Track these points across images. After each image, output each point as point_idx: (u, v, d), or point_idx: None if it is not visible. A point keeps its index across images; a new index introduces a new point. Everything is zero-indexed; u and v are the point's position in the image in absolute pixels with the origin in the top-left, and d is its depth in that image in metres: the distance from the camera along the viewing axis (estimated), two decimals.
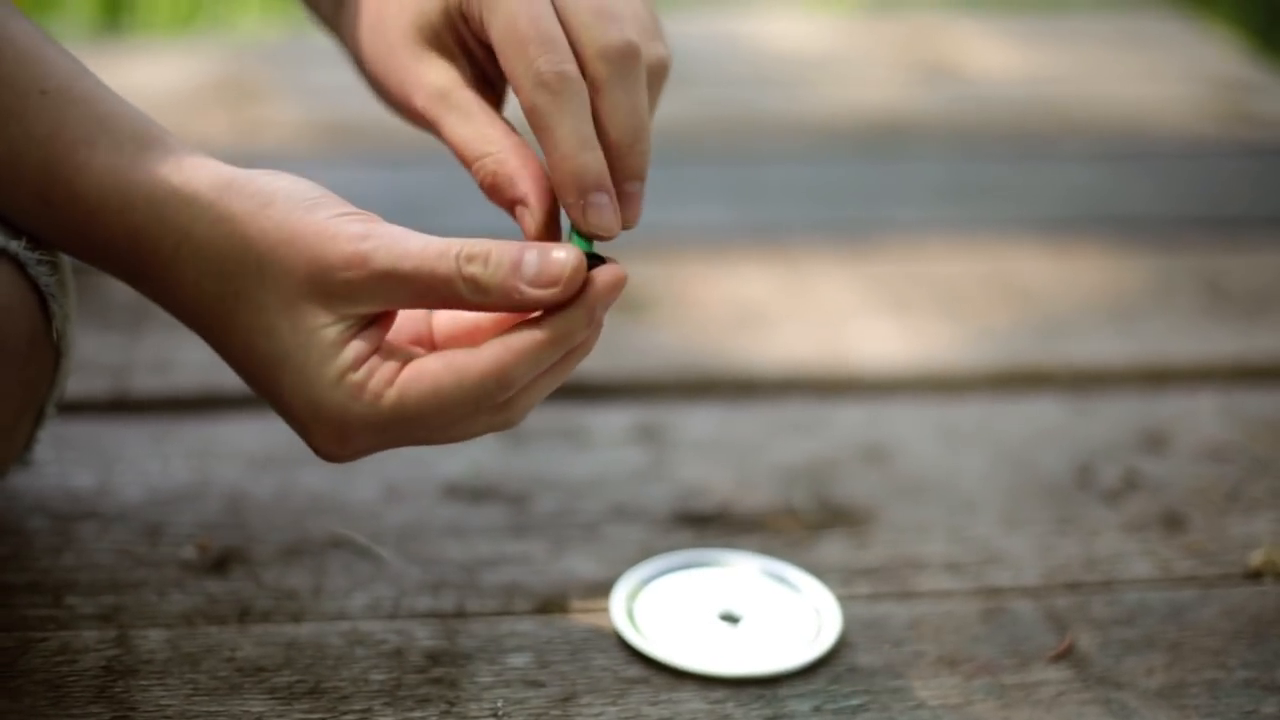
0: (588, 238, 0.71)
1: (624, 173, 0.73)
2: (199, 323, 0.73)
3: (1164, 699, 0.80)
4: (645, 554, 0.90)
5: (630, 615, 0.84)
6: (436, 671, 0.80)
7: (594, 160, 0.71)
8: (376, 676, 0.80)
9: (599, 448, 1.01)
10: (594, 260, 0.70)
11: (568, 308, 0.69)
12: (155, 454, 0.98)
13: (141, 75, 1.61)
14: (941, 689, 0.81)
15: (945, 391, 1.10)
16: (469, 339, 0.76)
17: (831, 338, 1.17)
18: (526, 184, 0.72)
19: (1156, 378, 1.13)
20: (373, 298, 0.69)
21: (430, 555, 0.89)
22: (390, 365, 0.70)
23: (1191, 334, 1.19)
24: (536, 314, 0.70)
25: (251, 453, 0.98)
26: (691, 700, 0.79)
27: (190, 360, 1.07)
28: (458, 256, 0.68)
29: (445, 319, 0.75)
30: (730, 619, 0.85)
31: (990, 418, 1.07)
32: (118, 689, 0.78)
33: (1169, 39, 1.88)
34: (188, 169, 0.71)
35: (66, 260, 0.78)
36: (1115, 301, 1.24)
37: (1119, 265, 1.31)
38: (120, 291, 0.74)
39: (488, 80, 0.78)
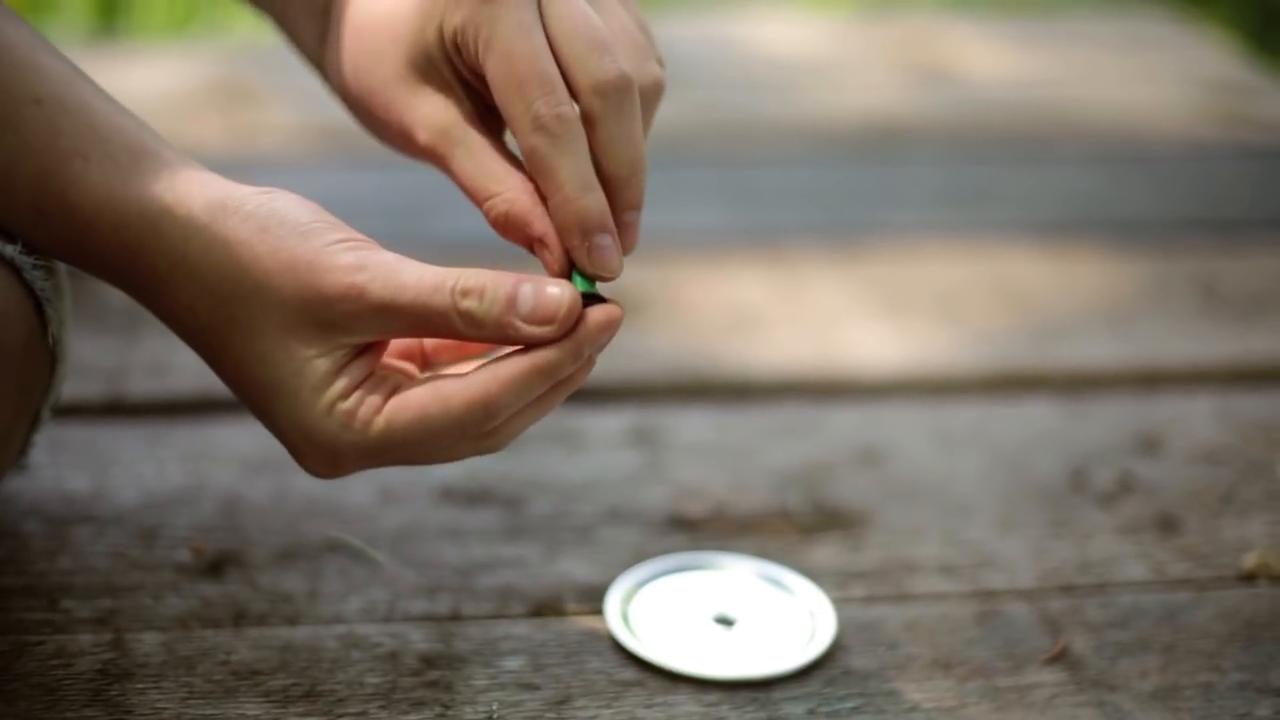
0: (590, 278, 0.71)
1: (622, 204, 0.73)
2: (193, 340, 0.73)
3: (1158, 701, 0.81)
4: (640, 557, 0.90)
5: (625, 618, 0.84)
6: (431, 675, 0.80)
7: (595, 202, 0.71)
8: (372, 680, 0.80)
9: (593, 450, 1.01)
10: (593, 299, 0.70)
11: (560, 342, 0.69)
12: (150, 457, 0.98)
13: (136, 79, 1.61)
14: (936, 692, 0.81)
15: (940, 394, 1.10)
16: (459, 352, 0.77)
17: (826, 341, 1.17)
18: (542, 222, 0.72)
19: (1151, 380, 1.13)
20: (368, 329, 0.69)
21: (425, 558, 0.89)
22: (378, 395, 0.70)
23: (1187, 337, 1.20)
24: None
25: (246, 456, 0.98)
26: (686, 703, 0.79)
27: (185, 364, 1.07)
28: (453, 290, 0.68)
29: None
30: (725, 622, 0.85)
31: (985, 421, 1.07)
32: (113, 692, 0.78)
33: (1165, 42, 1.88)
34: (182, 185, 0.70)
35: (62, 265, 0.78)
36: (1111, 304, 1.24)
37: (1114, 268, 1.31)
38: (116, 296, 0.74)
39: (487, 109, 0.76)
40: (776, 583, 0.88)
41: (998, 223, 1.39)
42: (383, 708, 0.78)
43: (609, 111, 0.71)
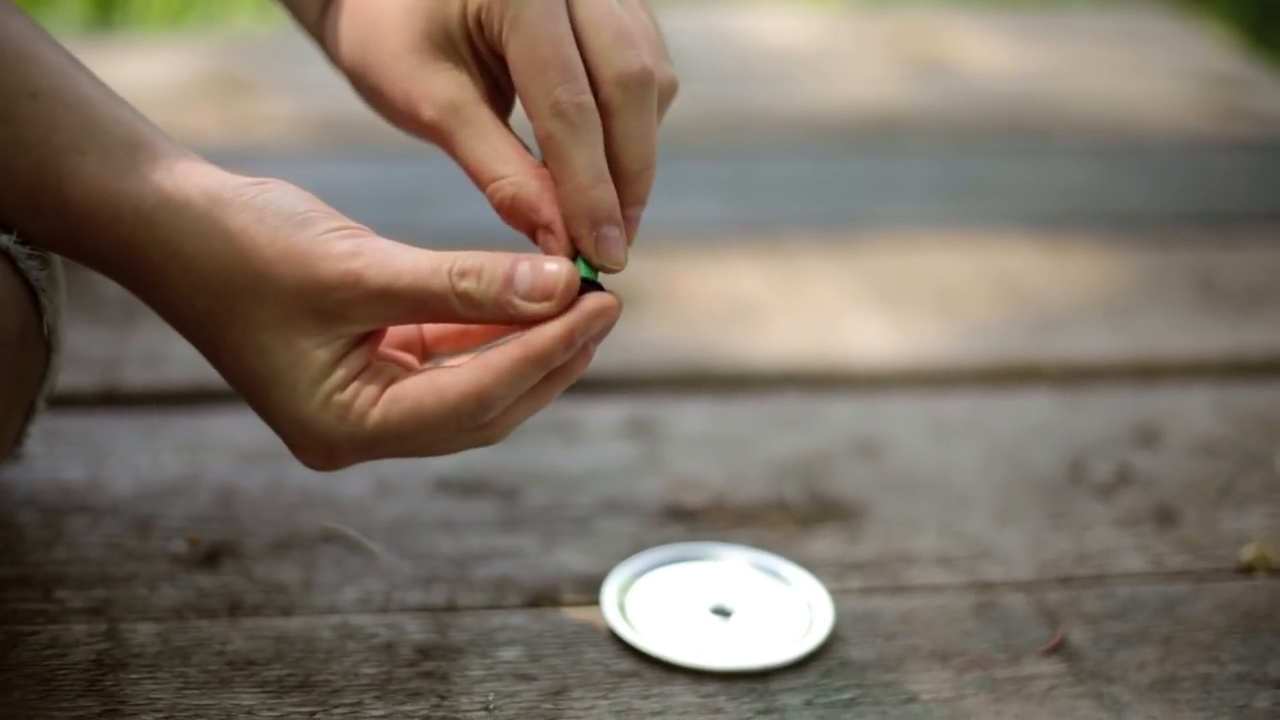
0: (595, 269, 0.71)
1: (628, 199, 0.73)
2: (190, 333, 0.73)
3: (1156, 693, 0.80)
4: (637, 548, 0.90)
5: (622, 609, 0.84)
6: (427, 665, 0.80)
7: (607, 194, 0.71)
8: (367, 670, 0.79)
9: (590, 442, 1.01)
10: (592, 287, 0.70)
11: (550, 327, 0.69)
12: (146, 448, 0.98)
13: (133, 71, 1.61)
14: (933, 683, 0.81)
15: (937, 386, 1.10)
16: (460, 341, 0.76)
17: (823, 332, 1.17)
18: (550, 209, 0.71)
19: (1149, 373, 1.13)
20: (366, 316, 0.69)
21: (421, 549, 0.89)
22: (374, 386, 0.70)
23: (1184, 329, 1.19)
24: (518, 333, 0.70)
25: (242, 447, 0.98)
26: (683, 694, 0.79)
27: (181, 354, 1.06)
28: (450, 272, 0.68)
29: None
30: (722, 613, 0.85)
31: (982, 412, 1.07)
32: (108, 682, 0.78)
33: (1162, 35, 1.88)
34: (177, 178, 0.70)
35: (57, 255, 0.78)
36: (1108, 297, 1.24)
37: (1112, 260, 1.31)
38: (111, 286, 0.74)
39: (498, 89, 0.76)
40: (774, 574, 0.88)
41: (994, 215, 1.39)
42: (378, 698, 0.78)
43: (629, 104, 0.71)
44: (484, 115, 0.74)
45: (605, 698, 0.79)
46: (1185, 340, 1.18)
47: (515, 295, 0.68)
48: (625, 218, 0.72)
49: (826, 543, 0.92)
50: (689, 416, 1.05)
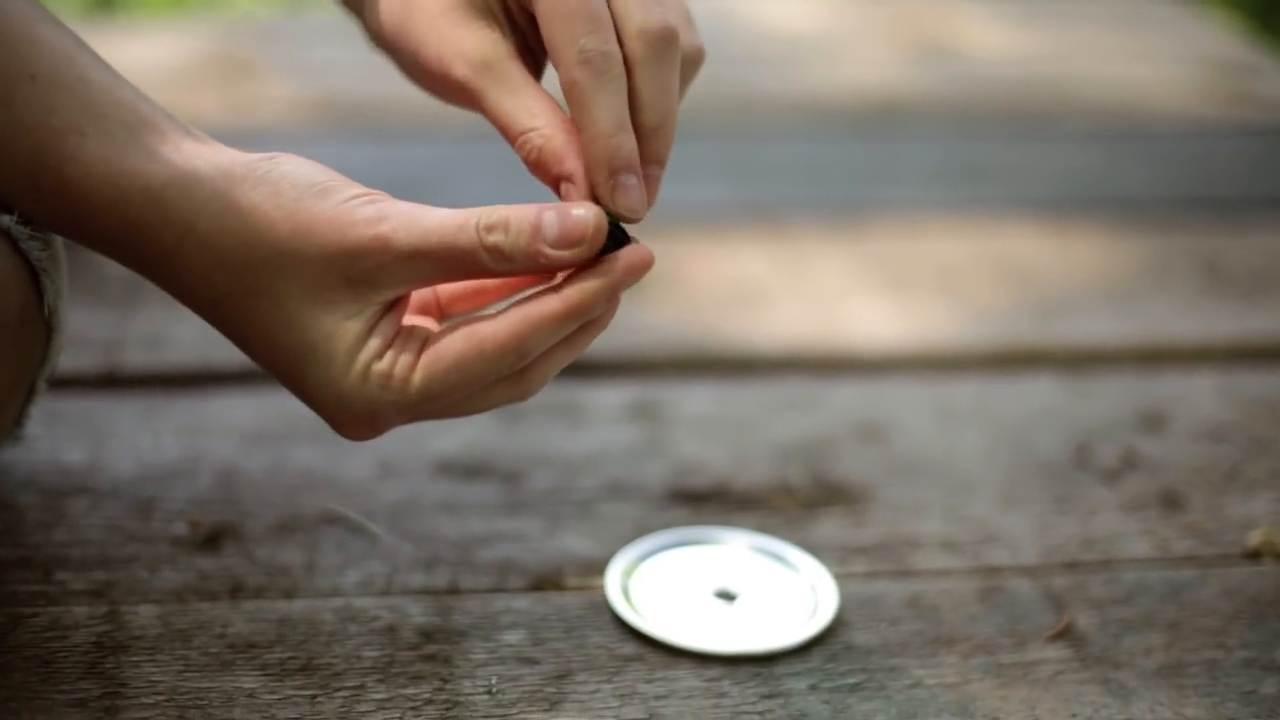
0: (614, 217, 0.71)
1: (648, 155, 0.73)
2: (210, 313, 0.72)
3: (1163, 679, 0.80)
4: (641, 531, 0.89)
5: (626, 592, 0.84)
6: (430, 648, 0.80)
7: (627, 142, 0.71)
8: (369, 653, 0.79)
9: (595, 425, 1.01)
10: (621, 236, 0.70)
11: (591, 282, 0.69)
12: (147, 430, 0.97)
13: (134, 53, 1.60)
14: (938, 668, 0.80)
15: (942, 370, 1.10)
16: (475, 300, 0.77)
17: (828, 316, 1.16)
18: (573, 161, 0.71)
19: (1154, 358, 1.13)
20: (397, 280, 0.69)
21: (423, 532, 0.89)
22: (409, 351, 0.70)
23: (1189, 314, 1.19)
24: (556, 284, 0.70)
25: (244, 429, 0.97)
26: (687, 678, 0.79)
27: (182, 336, 1.06)
28: (478, 228, 0.68)
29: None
30: (726, 597, 0.85)
31: (987, 397, 1.06)
32: (108, 665, 0.77)
33: (1166, 20, 1.88)
34: (185, 157, 0.70)
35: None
36: (1112, 282, 1.24)
37: (1115, 245, 1.30)
38: (113, 267, 0.73)
39: (529, 48, 0.77)
40: (778, 558, 0.88)
41: (998, 199, 1.38)
42: (380, 681, 0.77)
43: (650, 58, 0.72)
44: (515, 70, 0.74)
45: (609, 681, 0.78)
46: (1190, 325, 1.17)
47: (544, 244, 0.68)
48: (645, 175, 0.73)
49: (831, 527, 0.91)
50: (693, 400, 1.05)
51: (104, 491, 0.91)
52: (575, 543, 0.89)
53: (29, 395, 0.80)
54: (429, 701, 0.76)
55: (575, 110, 0.71)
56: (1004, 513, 0.93)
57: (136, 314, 1.10)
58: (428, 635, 0.81)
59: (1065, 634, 0.83)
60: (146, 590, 0.83)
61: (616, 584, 0.84)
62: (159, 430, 0.97)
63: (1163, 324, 1.17)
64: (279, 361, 0.71)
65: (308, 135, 1.45)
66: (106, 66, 0.73)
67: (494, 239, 0.68)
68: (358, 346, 0.69)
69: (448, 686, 0.77)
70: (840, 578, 0.86)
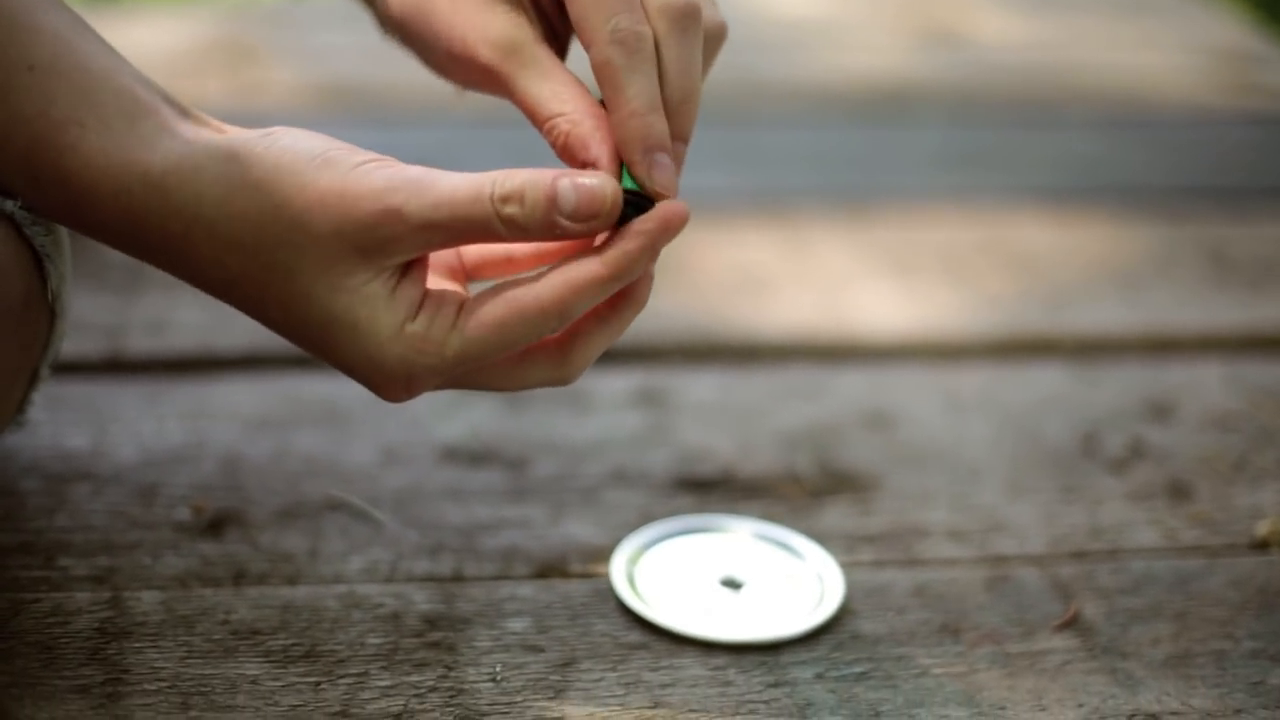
0: (648, 195, 0.71)
1: (672, 132, 0.72)
2: (227, 294, 0.72)
3: (1170, 669, 0.80)
4: (646, 519, 0.89)
5: (631, 580, 0.84)
6: (434, 636, 0.79)
7: (659, 121, 0.71)
8: (373, 640, 0.79)
9: (600, 412, 1.00)
10: (636, 197, 0.70)
11: (631, 243, 0.69)
12: (150, 415, 0.97)
13: (138, 38, 1.60)
14: (945, 657, 0.80)
15: (948, 358, 1.10)
16: (504, 268, 0.77)
17: (834, 303, 1.16)
18: (599, 147, 0.71)
19: (1161, 347, 1.12)
20: (410, 248, 0.69)
21: (428, 519, 0.88)
22: (447, 311, 0.70)
23: (1195, 303, 1.19)
24: (596, 245, 0.70)
25: (247, 414, 0.97)
26: (692, 666, 0.79)
27: (185, 321, 1.06)
28: (492, 199, 0.67)
29: (474, 249, 0.76)
30: (732, 585, 0.84)
31: (994, 385, 1.06)
32: (111, 651, 0.77)
33: (1172, 9, 1.87)
34: (185, 143, 0.69)
35: None
36: (1119, 270, 1.24)
37: (1122, 233, 1.30)
38: (116, 253, 0.73)
39: (553, 32, 0.76)
40: (784, 546, 0.87)
41: (1004, 187, 1.38)
42: (384, 668, 0.77)
43: (672, 34, 0.71)
44: (542, 54, 0.73)
45: (614, 669, 0.78)
46: (1197, 314, 1.17)
47: (560, 215, 0.68)
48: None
49: (837, 515, 0.91)
50: (699, 387, 1.04)
51: (107, 477, 0.90)
52: (580, 530, 0.88)
53: (32, 381, 0.80)
54: (433, 689, 0.76)
55: (607, 90, 0.71)
56: (1011, 502, 0.93)
57: (139, 299, 1.09)
58: (432, 622, 0.80)
59: (1072, 623, 0.83)
60: (149, 576, 0.82)
61: (622, 572, 0.84)
62: (162, 415, 0.97)
63: (1169, 313, 1.17)
64: (306, 335, 0.71)
65: (312, 120, 1.43)
66: (107, 50, 0.72)
67: (509, 210, 0.67)
68: (385, 308, 0.69)
69: (452, 674, 0.77)
70: (847, 566, 0.86)
